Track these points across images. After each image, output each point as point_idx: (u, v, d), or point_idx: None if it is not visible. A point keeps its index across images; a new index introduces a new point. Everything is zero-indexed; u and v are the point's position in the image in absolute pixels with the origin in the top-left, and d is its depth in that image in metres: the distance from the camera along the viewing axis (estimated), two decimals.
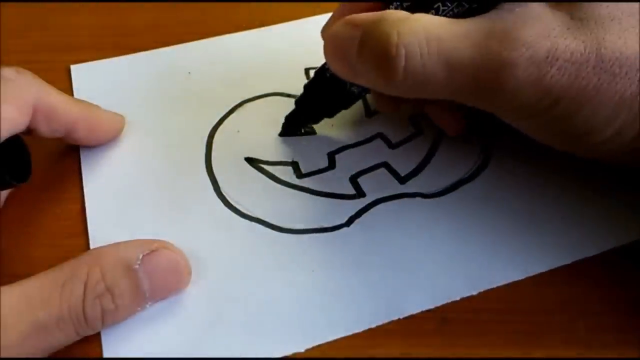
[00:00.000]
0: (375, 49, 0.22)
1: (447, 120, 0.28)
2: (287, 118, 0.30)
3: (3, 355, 0.20)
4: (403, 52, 0.21)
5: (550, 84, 0.21)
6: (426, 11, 0.23)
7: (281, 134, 0.30)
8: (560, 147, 0.24)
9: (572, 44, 0.20)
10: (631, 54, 0.20)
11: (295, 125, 0.30)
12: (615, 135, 0.22)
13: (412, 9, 0.23)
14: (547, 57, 0.20)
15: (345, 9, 0.26)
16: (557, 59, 0.20)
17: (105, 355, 0.22)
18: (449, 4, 0.22)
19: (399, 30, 0.21)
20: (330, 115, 0.29)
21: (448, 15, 0.23)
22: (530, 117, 0.22)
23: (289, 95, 0.32)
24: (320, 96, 0.28)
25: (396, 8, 0.23)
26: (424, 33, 0.21)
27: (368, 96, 0.31)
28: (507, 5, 0.21)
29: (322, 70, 0.27)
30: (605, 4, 0.21)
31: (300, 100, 0.29)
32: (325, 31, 0.27)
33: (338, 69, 0.24)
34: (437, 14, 0.23)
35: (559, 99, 0.21)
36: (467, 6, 0.22)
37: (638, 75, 0.20)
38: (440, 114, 0.28)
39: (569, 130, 0.22)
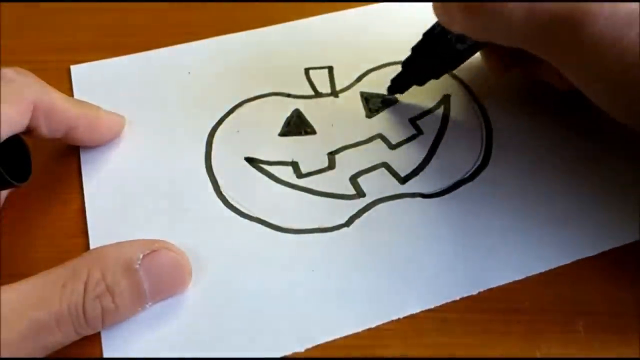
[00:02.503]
0: None
1: (558, 76, 0.27)
2: (394, 80, 0.30)
3: (3, 355, 0.20)
4: None
5: (624, 48, 0.20)
6: None
7: (388, 93, 0.31)
8: (623, 118, 0.23)
9: None
10: None
11: (401, 88, 0.30)
12: None
13: None
14: (627, 20, 0.20)
15: None
16: (637, 24, 0.20)
17: (105, 355, 0.22)
18: None
19: None
20: (437, 76, 0.29)
21: None
22: (598, 81, 0.22)
23: (289, 95, 0.32)
24: (428, 55, 0.28)
25: None
26: None
27: (371, 98, 0.31)
28: None
29: (430, 30, 0.28)
30: None
31: (407, 61, 0.29)
32: None
33: (436, 10, 0.25)
34: None
35: (630, 66, 0.20)
36: None
37: None
38: (550, 71, 0.27)
39: (636, 102, 0.21)
